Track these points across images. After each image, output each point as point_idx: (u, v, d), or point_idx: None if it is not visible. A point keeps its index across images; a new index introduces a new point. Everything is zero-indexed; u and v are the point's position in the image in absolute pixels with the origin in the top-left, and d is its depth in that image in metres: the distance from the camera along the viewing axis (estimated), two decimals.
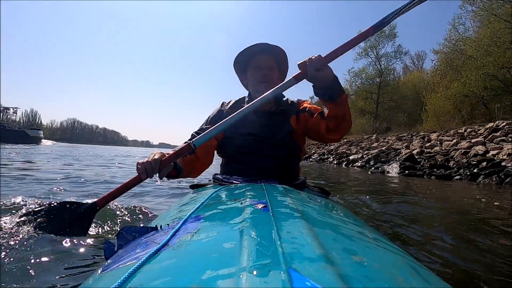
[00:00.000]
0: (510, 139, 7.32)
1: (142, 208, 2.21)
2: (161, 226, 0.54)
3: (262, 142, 1.15)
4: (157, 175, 0.93)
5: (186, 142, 1.00)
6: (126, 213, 2.00)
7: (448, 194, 3.95)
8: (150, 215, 2.01)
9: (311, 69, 0.89)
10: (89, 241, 1.38)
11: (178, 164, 1.05)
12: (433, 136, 10.73)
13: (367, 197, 2.89)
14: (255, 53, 1.23)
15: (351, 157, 11.30)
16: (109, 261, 0.48)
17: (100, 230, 1.56)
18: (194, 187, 1.17)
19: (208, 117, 1.31)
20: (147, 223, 0.62)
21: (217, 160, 1.34)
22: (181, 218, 0.54)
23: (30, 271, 1.03)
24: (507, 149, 6.48)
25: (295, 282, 0.25)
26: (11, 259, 1.12)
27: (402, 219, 2.00)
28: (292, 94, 1.32)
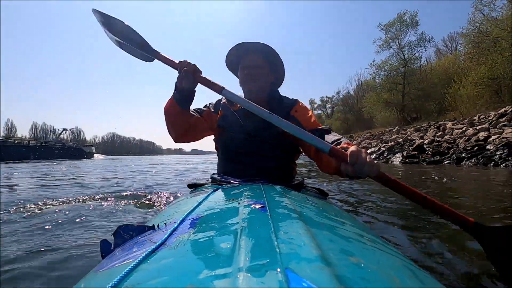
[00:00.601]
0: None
1: (140, 207, 2.20)
2: (158, 225, 0.54)
3: (256, 142, 1.15)
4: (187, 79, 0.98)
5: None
6: (124, 211, 2.00)
7: (418, 175, 4.50)
8: (147, 214, 2.01)
9: (352, 172, 0.71)
10: (86, 239, 1.37)
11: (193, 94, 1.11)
12: (449, 125, 11.08)
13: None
14: (242, 54, 1.22)
15: (368, 151, 11.37)
16: (105, 260, 0.48)
17: (97, 229, 1.55)
18: (192, 186, 1.17)
19: (206, 104, 1.32)
20: (144, 222, 0.62)
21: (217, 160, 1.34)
22: (178, 217, 0.54)
23: (27, 270, 1.02)
24: (506, 133, 7.05)
25: (291, 282, 0.25)
26: (9, 259, 1.12)
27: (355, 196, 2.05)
28: (287, 92, 1.31)
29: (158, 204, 2.38)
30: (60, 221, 1.65)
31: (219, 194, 0.75)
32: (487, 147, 6.85)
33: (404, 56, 22.38)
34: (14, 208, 2.13)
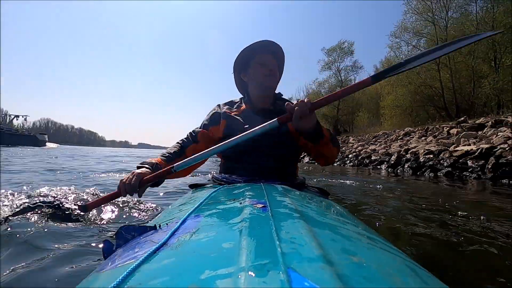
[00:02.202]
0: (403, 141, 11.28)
1: (141, 207, 2.21)
2: (160, 226, 0.54)
3: (259, 141, 1.15)
4: (136, 194, 0.96)
5: (167, 167, 0.97)
6: (125, 212, 2.00)
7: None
8: (149, 214, 2.01)
9: (296, 117, 0.90)
10: (88, 240, 1.37)
11: (185, 145, 1.14)
12: (350, 139, 16.84)
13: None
14: (258, 51, 1.24)
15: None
16: (107, 260, 0.48)
17: (99, 229, 1.56)
18: (193, 186, 1.17)
19: (202, 123, 1.29)
20: (146, 222, 0.63)
21: (216, 160, 1.33)
22: (180, 217, 0.54)
23: (29, 271, 1.03)
24: (393, 147, 10.65)
25: (294, 282, 0.25)
26: (10, 259, 1.12)
27: None
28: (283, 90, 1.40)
29: (159, 204, 2.38)
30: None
31: (221, 194, 0.75)
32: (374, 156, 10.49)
33: (341, 78, 28.38)
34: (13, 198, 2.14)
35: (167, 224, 0.55)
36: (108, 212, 1.96)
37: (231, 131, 1.19)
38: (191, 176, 5.77)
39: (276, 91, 1.32)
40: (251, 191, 0.69)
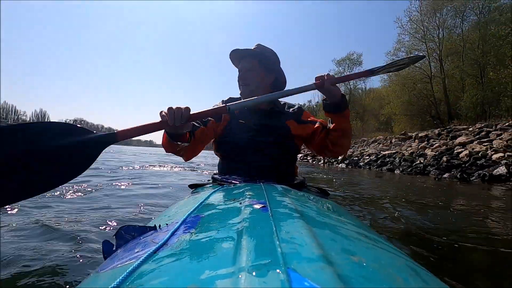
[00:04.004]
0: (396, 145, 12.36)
1: (141, 207, 2.20)
2: (160, 226, 0.54)
3: (257, 142, 1.15)
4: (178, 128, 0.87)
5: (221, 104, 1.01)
6: (125, 212, 2.00)
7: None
8: (149, 214, 2.01)
9: (328, 83, 1.04)
10: (88, 240, 1.37)
11: (194, 129, 1.08)
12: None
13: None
14: (238, 60, 1.27)
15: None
16: (107, 261, 0.48)
17: (98, 229, 1.55)
18: (193, 186, 1.17)
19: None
20: (146, 223, 0.62)
21: (215, 160, 1.33)
22: (180, 217, 0.54)
23: (29, 271, 1.03)
24: (387, 151, 11.58)
25: (294, 282, 0.25)
26: (10, 259, 1.12)
27: None
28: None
29: (158, 204, 2.38)
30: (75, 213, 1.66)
31: (220, 194, 0.75)
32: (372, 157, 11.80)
33: (350, 86, 30.96)
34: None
35: (167, 224, 0.55)
36: (108, 212, 1.96)
37: (232, 129, 1.19)
38: (190, 175, 5.77)
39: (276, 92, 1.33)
40: (251, 191, 0.68)
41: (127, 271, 0.33)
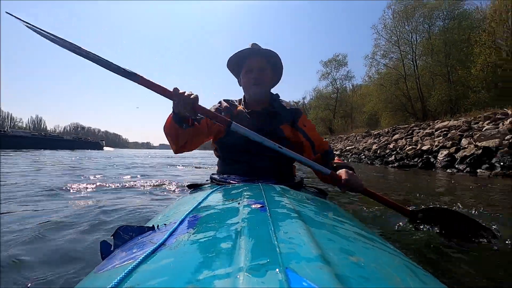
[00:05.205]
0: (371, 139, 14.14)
1: (139, 207, 2.20)
2: (158, 226, 0.54)
3: (256, 142, 1.15)
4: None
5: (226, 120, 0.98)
6: (123, 212, 1.99)
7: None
8: (147, 214, 2.01)
9: (346, 187, 1.02)
10: (85, 240, 1.37)
11: (198, 119, 1.08)
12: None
13: None
14: (246, 56, 1.21)
15: None
16: (105, 261, 0.48)
17: (96, 230, 1.55)
18: (191, 187, 1.17)
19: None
20: (144, 223, 0.62)
21: (214, 160, 1.33)
22: (178, 218, 0.53)
23: (27, 271, 1.02)
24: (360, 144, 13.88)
25: (292, 282, 0.25)
26: (9, 260, 1.12)
27: None
28: (280, 91, 1.34)
29: (157, 205, 2.37)
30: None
31: (219, 194, 0.75)
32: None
33: (337, 85, 32.98)
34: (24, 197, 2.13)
35: (165, 224, 0.55)
36: (106, 213, 1.95)
37: (226, 133, 1.19)
38: (191, 174, 5.77)
39: (276, 91, 1.32)
40: (249, 191, 0.68)
41: (125, 272, 0.33)
